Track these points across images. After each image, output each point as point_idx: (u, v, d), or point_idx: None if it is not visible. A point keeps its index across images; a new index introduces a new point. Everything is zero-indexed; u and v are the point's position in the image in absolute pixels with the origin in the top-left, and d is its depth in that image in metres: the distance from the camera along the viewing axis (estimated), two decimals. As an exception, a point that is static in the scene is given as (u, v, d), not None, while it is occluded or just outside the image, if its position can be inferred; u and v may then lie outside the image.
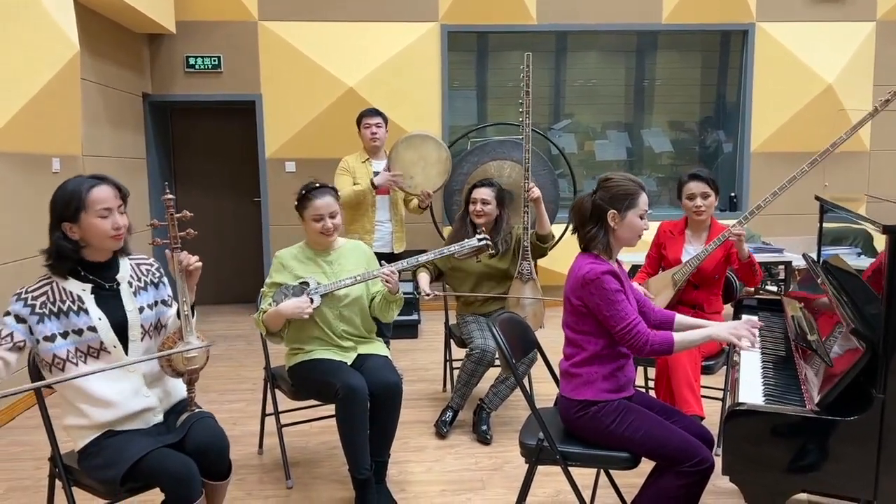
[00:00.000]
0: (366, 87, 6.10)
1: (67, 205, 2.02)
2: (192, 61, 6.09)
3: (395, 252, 4.41)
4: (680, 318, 2.40)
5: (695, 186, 3.21)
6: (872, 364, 1.74)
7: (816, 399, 1.83)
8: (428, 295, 3.47)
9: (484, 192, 3.61)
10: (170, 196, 2.13)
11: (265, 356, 3.10)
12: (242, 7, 6.05)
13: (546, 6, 6.28)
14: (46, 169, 4.26)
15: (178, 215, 2.12)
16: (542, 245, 3.66)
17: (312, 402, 2.97)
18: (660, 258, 3.38)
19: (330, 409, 2.78)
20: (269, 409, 3.11)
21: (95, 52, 5.08)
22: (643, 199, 2.23)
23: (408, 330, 5.42)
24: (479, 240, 2.97)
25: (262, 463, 3.23)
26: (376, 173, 4.27)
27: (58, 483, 2.18)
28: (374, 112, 4.39)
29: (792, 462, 1.79)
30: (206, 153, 6.61)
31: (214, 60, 6.10)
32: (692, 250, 3.25)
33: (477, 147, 5.54)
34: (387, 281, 2.76)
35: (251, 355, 5.02)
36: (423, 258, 3.01)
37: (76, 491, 2.14)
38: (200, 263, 2.15)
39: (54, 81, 4.09)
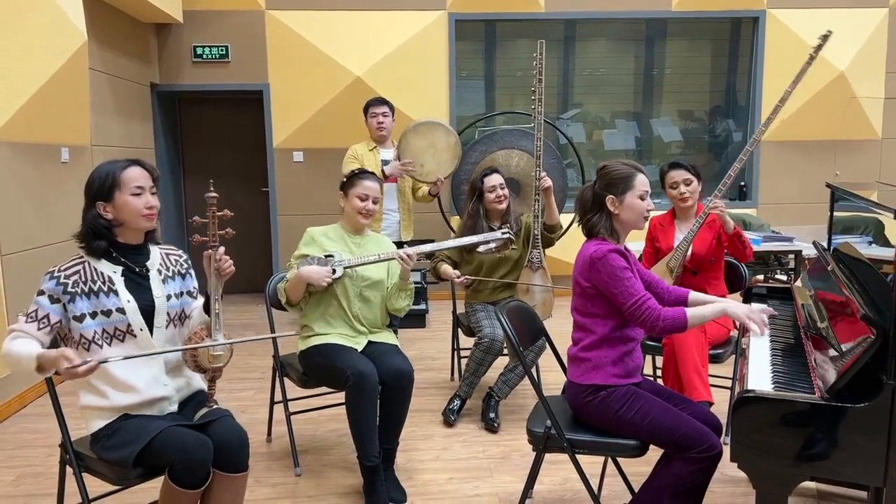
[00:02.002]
0: (373, 77, 6.08)
1: (102, 184, 2.08)
2: (199, 51, 6.09)
3: (403, 240, 4.41)
4: (694, 295, 2.40)
5: (676, 175, 3.25)
6: (883, 350, 1.72)
7: (826, 386, 1.82)
8: (459, 278, 3.51)
9: (498, 178, 3.63)
10: (213, 194, 2.15)
11: (274, 345, 3.12)
12: (249, -4, 6.05)
13: (554, -6, 6.25)
14: (55, 158, 4.28)
15: (219, 213, 2.14)
16: (549, 235, 3.66)
17: (321, 389, 2.98)
18: (656, 252, 3.39)
19: (338, 397, 2.79)
20: (278, 397, 3.13)
21: (103, 41, 5.09)
22: (640, 179, 2.24)
23: (416, 319, 5.43)
24: (504, 233, 2.97)
25: (271, 451, 3.24)
26: (384, 161, 4.28)
27: (69, 470, 2.19)
28: (381, 101, 4.39)
29: (801, 449, 1.78)
30: (214, 143, 6.62)
31: (222, 50, 6.09)
32: (682, 238, 3.26)
33: (485, 136, 5.51)
34: (402, 260, 2.81)
35: (260, 344, 5.04)
36: (449, 243, 3.02)
37: (86, 477, 2.15)
38: (234, 269, 2.18)
39: (62, 71, 4.09)
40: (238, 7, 6.06)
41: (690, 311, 2.12)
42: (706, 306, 2.17)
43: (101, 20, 5.06)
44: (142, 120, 5.85)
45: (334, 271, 2.79)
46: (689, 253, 3.21)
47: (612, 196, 2.23)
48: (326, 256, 2.83)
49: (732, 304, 2.17)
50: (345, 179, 2.97)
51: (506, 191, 3.63)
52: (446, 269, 3.57)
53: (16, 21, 3.72)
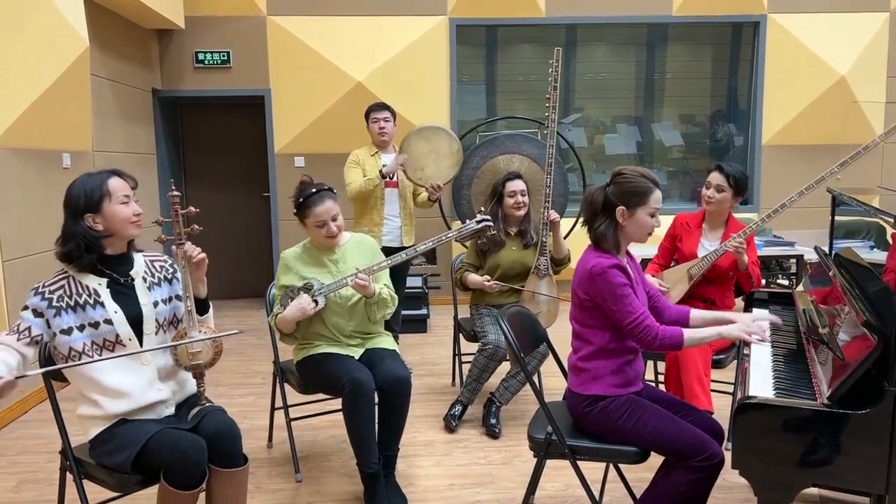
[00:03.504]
0: (374, 82, 6.09)
1: (90, 196, 2.08)
2: (201, 56, 6.10)
3: (405, 245, 4.40)
4: (695, 313, 2.38)
5: (713, 177, 3.23)
6: (884, 357, 1.72)
7: (827, 392, 1.82)
8: (489, 282, 3.53)
9: (520, 184, 3.63)
10: (175, 192, 2.18)
11: (274, 350, 3.11)
12: (251, 2, 6.05)
13: (555, -1, 6.26)
14: (57, 164, 4.29)
15: (183, 211, 2.17)
16: (556, 267, 3.66)
17: (321, 396, 2.98)
18: (673, 250, 3.37)
19: (338, 403, 2.78)
20: (279, 402, 3.12)
21: (105, 47, 5.10)
22: (655, 196, 2.18)
23: (417, 324, 5.42)
24: (478, 221, 2.93)
25: (272, 457, 3.24)
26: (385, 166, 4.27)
27: (69, 476, 2.19)
28: (382, 106, 4.38)
29: (802, 456, 1.78)
30: (216, 148, 6.63)
31: (223, 55, 6.11)
32: (707, 244, 3.26)
33: (486, 141, 5.52)
34: (357, 287, 2.71)
35: (261, 349, 5.04)
36: (421, 247, 2.97)
37: (87, 484, 2.15)
38: (205, 255, 2.20)
39: (64, 77, 4.10)
40: (239, 13, 6.07)
41: (687, 333, 2.12)
42: (703, 329, 2.17)
43: (103, 26, 5.07)
44: (144, 125, 5.86)
45: (316, 302, 2.73)
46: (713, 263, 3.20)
47: (623, 207, 2.17)
48: (305, 285, 2.77)
49: (726, 327, 2.17)
50: (295, 210, 2.81)
51: (526, 198, 3.62)
52: (473, 278, 3.58)
53: (17, 27, 3.73)
